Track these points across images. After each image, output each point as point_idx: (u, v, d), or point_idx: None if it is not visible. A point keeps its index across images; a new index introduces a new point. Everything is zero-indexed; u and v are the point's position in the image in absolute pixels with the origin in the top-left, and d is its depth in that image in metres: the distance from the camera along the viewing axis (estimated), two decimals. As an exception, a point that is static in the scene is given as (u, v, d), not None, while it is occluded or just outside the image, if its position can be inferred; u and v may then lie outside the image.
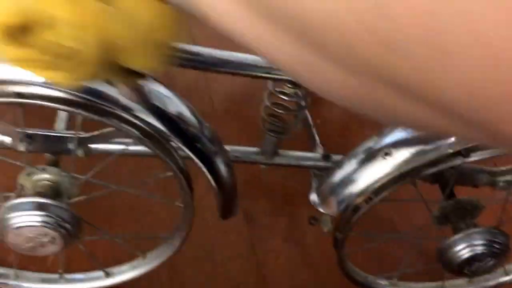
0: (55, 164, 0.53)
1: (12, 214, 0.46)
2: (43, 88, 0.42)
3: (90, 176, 0.50)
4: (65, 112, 0.55)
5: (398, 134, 0.53)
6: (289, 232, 0.74)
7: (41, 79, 0.40)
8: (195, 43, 0.49)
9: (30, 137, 0.53)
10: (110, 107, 0.45)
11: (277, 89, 0.55)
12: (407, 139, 0.54)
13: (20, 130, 0.52)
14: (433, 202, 0.59)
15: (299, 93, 0.55)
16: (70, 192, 0.51)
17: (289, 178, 0.75)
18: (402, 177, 0.54)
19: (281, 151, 0.61)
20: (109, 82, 0.44)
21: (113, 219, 0.70)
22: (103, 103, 0.44)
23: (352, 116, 0.80)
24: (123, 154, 0.53)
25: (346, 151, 0.57)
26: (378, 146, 0.53)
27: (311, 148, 0.64)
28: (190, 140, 0.48)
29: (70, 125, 0.56)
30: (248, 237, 0.72)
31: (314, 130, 0.65)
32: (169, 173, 0.50)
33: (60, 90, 0.43)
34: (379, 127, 0.55)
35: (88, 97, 0.44)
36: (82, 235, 0.52)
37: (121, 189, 0.55)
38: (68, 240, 0.49)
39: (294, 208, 0.75)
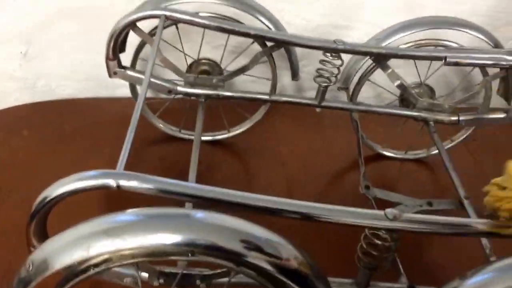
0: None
1: None
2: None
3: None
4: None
5: (480, 278, 0.61)
6: None
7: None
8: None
9: (165, 274, 0.65)
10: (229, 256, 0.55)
11: (372, 232, 0.65)
12: (488, 281, 0.61)
13: (157, 269, 0.65)
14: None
15: (389, 238, 0.64)
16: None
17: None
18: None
19: (372, 282, 0.70)
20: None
21: None
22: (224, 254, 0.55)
23: (431, 256, 0.90)
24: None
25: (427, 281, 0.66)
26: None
27: (396, 278, 0.73)
28: (301, 280, 0.58)
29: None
30: None
31: (400, 266, 0.74)
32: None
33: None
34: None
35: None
36: None
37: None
38: None
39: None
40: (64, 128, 1.12)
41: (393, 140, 1.11)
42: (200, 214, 0.57)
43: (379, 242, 0.65)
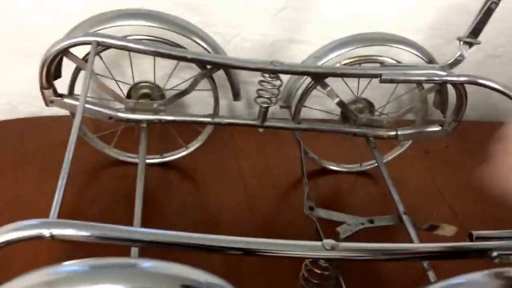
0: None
1: None
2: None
3: None
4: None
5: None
6: None
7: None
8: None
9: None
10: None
11: (311, 262, 0.66)
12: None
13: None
14: None
15: (329, 267, 0.66)
16: None
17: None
18: None
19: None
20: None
21: None
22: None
23: (375, 276, 0.91)
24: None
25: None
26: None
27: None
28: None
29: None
30: None
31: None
32: None
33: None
34: None
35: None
36: None
37: None
38: None
39: None
40: (25, 148, 1.09)
41: (340, 154, 1.13)
42: (142, 262, 0.58)
43: (318, 271, 0.66)
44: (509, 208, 1.07)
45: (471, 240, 0.66)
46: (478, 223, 1.03)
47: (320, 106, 1.18)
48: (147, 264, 0.58)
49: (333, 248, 0.64)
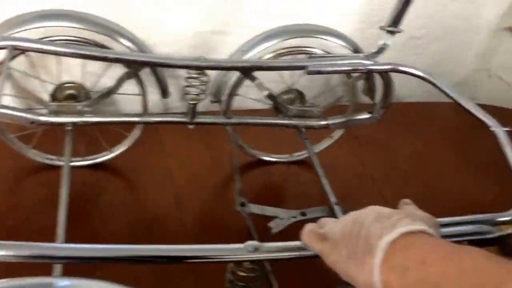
0: None
1: None
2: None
3: None
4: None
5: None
6: None
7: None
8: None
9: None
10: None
11: (235, 264, 0.66)
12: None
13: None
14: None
15: (257, 268, 0.66)
16: None
17: None
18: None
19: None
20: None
21: None
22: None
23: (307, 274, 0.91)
24: None
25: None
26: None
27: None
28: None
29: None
30: None
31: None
32: None
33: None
34: None
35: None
36: None
37: None
38: None
39: None
40: None
41: (274, 145, 1.13)
42: (60, 282, 0.56)
43: (243, 274, 0.66)
44: (438, 190, 1.10)
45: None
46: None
47: (254, 94, 1.19)
48: (65, 283, 0.56)
49: (256, 250, 0.64)
